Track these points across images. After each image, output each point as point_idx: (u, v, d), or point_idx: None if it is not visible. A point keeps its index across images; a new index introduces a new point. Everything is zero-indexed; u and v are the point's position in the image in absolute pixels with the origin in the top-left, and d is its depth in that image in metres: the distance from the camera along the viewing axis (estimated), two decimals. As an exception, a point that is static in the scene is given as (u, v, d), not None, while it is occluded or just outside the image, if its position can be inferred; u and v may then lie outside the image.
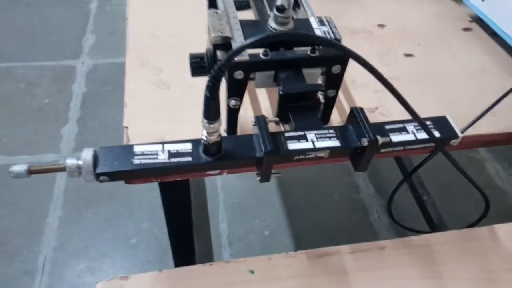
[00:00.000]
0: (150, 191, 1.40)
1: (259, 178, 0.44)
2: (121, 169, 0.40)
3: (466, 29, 0.83)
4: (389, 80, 0.73)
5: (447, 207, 1.40)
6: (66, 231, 1.37)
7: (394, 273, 0.50)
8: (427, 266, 0.51)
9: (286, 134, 0.44)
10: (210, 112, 0.38)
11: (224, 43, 0.48)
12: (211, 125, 0.39)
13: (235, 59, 0.44)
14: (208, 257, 1.30)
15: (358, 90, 0.69)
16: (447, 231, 0.54)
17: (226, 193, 1.51)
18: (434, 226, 1.27)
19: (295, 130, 0.45)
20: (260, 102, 0.65)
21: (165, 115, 0.61)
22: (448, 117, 0.48)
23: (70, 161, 0.40)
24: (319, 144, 0.43)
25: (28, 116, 1.67)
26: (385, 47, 0.77)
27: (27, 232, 1.36)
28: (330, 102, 0.53)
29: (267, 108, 0.64)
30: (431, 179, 1.41)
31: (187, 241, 0.80)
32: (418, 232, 0.55)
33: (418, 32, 0.82)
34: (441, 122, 0.47)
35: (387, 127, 0.46)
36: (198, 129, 0.60)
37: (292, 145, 0.43)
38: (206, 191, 1.43)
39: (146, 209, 1.43)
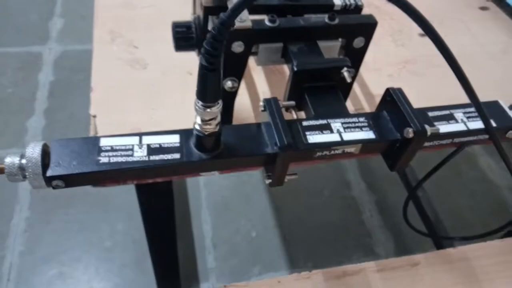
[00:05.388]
0: (126, 189, 1.28)
1: (270, 181, 0.33)
2: (81, 171, 0.29)
3: (483, 8, 0.77)
4: (406, 63, 0.66)
5: (438, 203, 1.34)
6: (33, 234, 1.25)
7: (431, 296, 0.40)
8: (469, 286, 0.41)
9: (304, 123, 0.33)
10: (208, 90, 0.27)
11: (218, 6, 0.38)
12: (208, 109, 0.28)
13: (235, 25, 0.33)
14: (191, 262, 1.21)
15: (370, 73, 0.61)
16: (488, 242, 0.45)
17: (209, 190, 1.40)
18: (430, 222, 1.23)
19: (315, 118, 0.34)
20: (257, 84, 0.55)
21: (141, 102, 0.52)
22: (501, 102, 0.39)
23: (10, 160, 0.29)
24: (348, 136, 0.33)
25: (-11, 108, 1.53)
26: (397, 25, 0.70)
27: (-11, 236, 1.22)
28: (348, 85, 0.43)
29: (265, 91, 0.55)
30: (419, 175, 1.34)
31: (169, 249, 0.69)
32: (435, 237, 0.46)
33: (430, 10, 0.73)
34: (494, 109, 0.37)
35: (431, 114, 0.36)
36: (182, 119, 0.50)
37: (313, 138, 0.32)
38: (187, 188, 1.32)
39: (121, 209, 1.32)
